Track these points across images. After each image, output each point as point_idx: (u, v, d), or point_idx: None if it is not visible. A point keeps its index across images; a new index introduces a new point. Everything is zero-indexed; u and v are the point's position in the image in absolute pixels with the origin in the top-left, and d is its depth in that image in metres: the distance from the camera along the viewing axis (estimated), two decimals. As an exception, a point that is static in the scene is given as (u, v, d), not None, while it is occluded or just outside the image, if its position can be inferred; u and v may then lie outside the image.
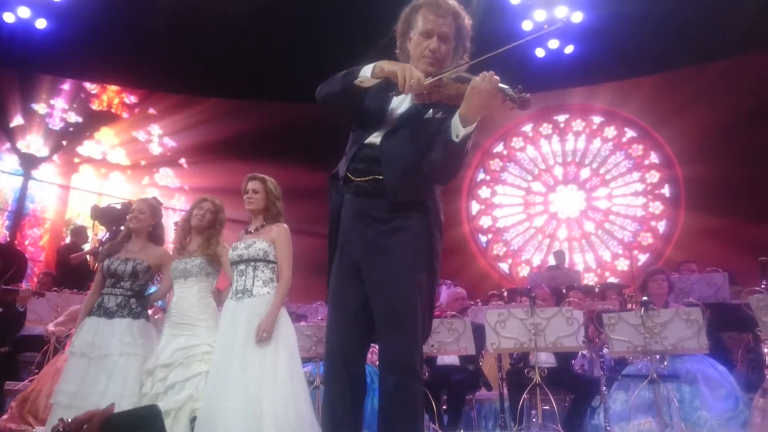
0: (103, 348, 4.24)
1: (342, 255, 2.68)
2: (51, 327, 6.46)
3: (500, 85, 2.44)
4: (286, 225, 4.36)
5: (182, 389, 4.06)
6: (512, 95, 2.43)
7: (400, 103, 2.71)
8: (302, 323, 6.14)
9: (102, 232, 9.78)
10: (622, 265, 13.15)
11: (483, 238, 14.20)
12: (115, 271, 4.48)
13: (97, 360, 4.22)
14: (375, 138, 2.64)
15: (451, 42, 2.73)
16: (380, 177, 2.57)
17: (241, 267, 4.23)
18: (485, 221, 14.32)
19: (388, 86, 2.62)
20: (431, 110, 2.63)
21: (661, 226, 13.23)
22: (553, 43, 13.21)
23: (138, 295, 4.51)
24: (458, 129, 2.43)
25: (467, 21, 2.76)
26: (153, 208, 4.76)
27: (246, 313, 4.07)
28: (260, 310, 4.07)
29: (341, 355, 2.61)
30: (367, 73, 2.59)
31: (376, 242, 2.56)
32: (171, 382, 4.07)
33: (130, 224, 4.66)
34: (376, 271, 2.54)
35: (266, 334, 3.96)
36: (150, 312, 6.57)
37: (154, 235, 4.74)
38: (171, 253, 4.75)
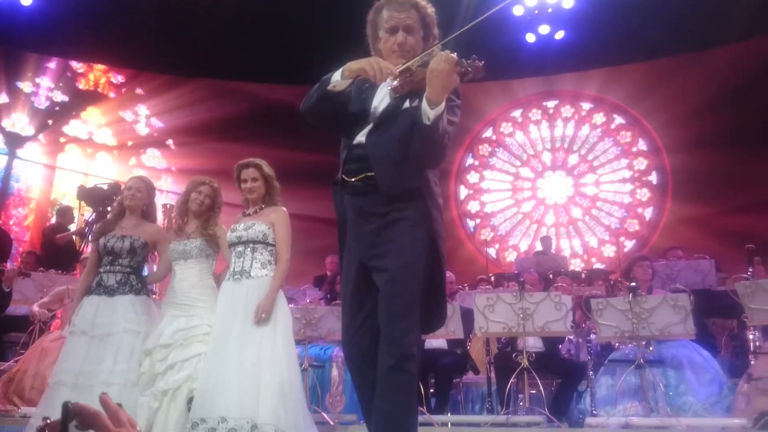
0: (106, 326, 4.22)
1: (350, 257, 2.76)
2: (35, 308, 6.42)
3: (458, 60, 2.48)
4: (285, 208, 4.35)
5: (181, 369, 4.06)
6: (465, 66, 2.47)
7: (380, 101, 2.78)
8: (290, 306, 6.14)
9: (88, 213, 9.69)
10: (609, 251, 13.22)
11: (471, 223, 14.23)
12: (112, 249, 4.44)
13: (100, 338, 4.20)
14: (361, 137, 2.72)
15: (417, 32, 2.80)
16: (371, 174, 2.65)
17: (240, 248, 4.22)
18: (473, 206, 14.34)
19: (363, 85, 2.73)
20: (408, 100, 2.68)
21: (648, 213, 13.31)
22: (544, 29, 13.18)
23: (137, 272, 4.49)
24: (427, 112, 2.49)
25: (430, 9, 2.84)
26: (149, 187, 4.72)
27: (244, 294, 4.08)
28: (258, 292, 4.07)
29: (362, 355, 2.66)
30: (337, 77, 2.68)
31: (378, 236, 2.64)
32: (170, 362, 4.08)
33: (125, 201, 4.61)
34: (379, 263, 2.62)
35: (265, 315, 3.98)
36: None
37: (147, 213, 4.69)
38: (165, 232, 4.72)
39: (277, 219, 4.27)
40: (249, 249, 4.19)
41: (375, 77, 2.57)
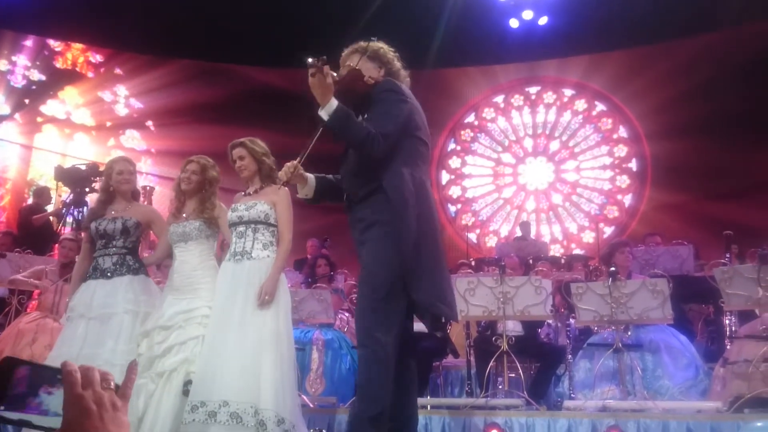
0: (105, 307, 4.15)
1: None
2: (19, 277, 6.34)
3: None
4: (286, 188, 4.25)
5: (179, 352, 4.00)
6: (312, 66, 2.95)
7: None
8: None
9: (66, 194, 9.56)
10: (588, 237, 13.33)
11: (452, 208, 14.26)
12: (104, 231, 4.35)
13: (100, 320, 4.13)
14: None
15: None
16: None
17: (241, 228, 4.14)
18: (454, 191, 14.37)
19: None
20: (360, 117, 3.16)
21: (627, 199, 13.43)
22: (528, 14, 13.17)
23: (133, 252, 4.40)
24: (321, 114, 3.00)
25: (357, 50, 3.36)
26: (135, 167, 4.66)
27: (246, 275, 4.01)
28: (260, 273, 4.00)
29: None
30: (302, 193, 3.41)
31: (360, 240, 3.15)
32: (169, 344, 4.00)
33: (121, 186, 4.48)
34: (361, 263, 3.14)
35: (268, 297, 3.91)
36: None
37: (136, 194, 4.65)
38: (157, 211, 4.64)
39: (279, 199, 4.16)
40: (250, 229, 4.11)
41: (287, 177, 3.15)
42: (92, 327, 4.13)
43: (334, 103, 2.97)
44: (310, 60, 2.93)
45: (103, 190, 4.57)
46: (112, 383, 1.03)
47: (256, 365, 3.79)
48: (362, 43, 3.35)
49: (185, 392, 3.89)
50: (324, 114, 2.98)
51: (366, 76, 3.24)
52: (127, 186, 4.52)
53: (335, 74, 3.08)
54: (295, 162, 3.16)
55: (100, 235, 4.38)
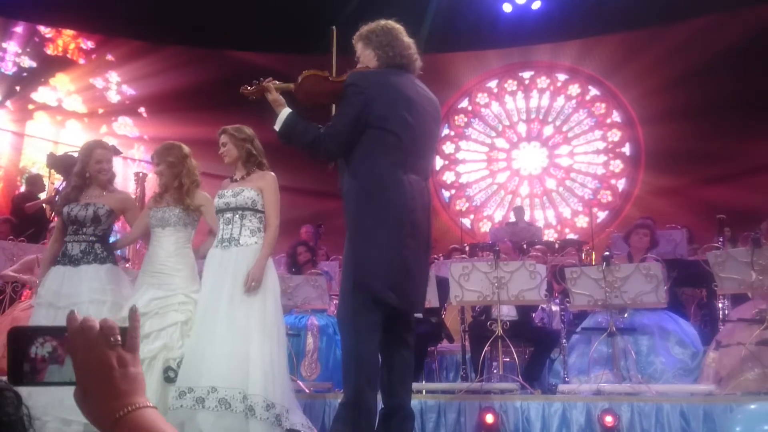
0: (71, 296, 4.13)
1: None
2: (9, 272, 6.32)
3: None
4: (273, 174, 4.26)
5: (157, 338, 4.00)
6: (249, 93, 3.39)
7: None
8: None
9: (59, 182, 9.52)
10: (582, 222, 13.36)
11: (446, 194, 14.26)
12: (75, 218, 4.33)
13: (65, 310, 4.09)
14: None
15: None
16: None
17: (228, 215, 4.13)
18: (448, 176, 14.36)
19: None
20: None
21: (621, 184, 13.45)
22: (521, -1, 13.13)
23: (102, 240, 4.38)
24: (275, 127, 3.32)
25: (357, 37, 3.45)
26: (112, 155, 4.61)
27: (233, 262, 4.01)
28: (248, 260, 4.00)
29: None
30: None
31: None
32: (146, 331, 3.97)
33: (100, 175, 4.44)
34: None
35: (255, 283, 3.92)
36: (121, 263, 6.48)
37: (112, 181, 4.57)
38: (132, 199, 4.61)
39: (266, 185, 4.16)
40: (237, 216, 4.10)
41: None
42: (59, 316, 4.06)
43: (284, 113, 3.24)
44: (241, 90, 3.31)
45: (79, 175, 4.47)
46: (119, 337, 1.03)
47: (244, 351, 3.80)
48: (363, 29, 3.37)
49: (166, 379, 3.91)
50: (276, 125, 3.25)
51: (330, 74, 3.38)
52: (105, 176, 4.46)
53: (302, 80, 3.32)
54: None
55: (71, 220, 4.34)
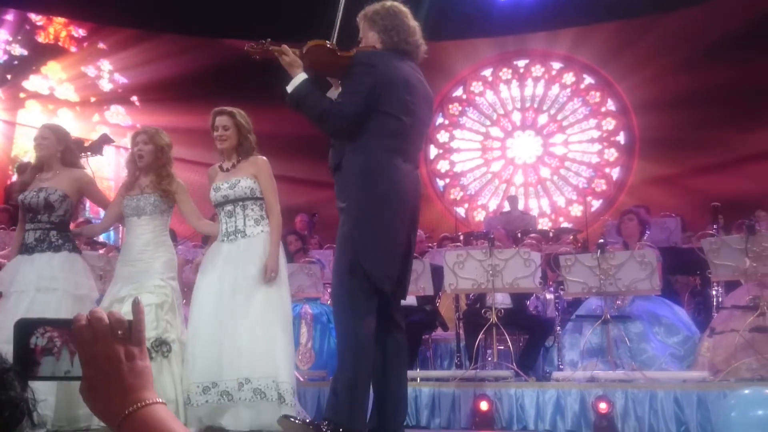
0: (20, 284, 4.01)
1: None
2: None
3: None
4: (264, 157, 4.15)
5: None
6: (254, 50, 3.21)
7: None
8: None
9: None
10: (576, 210, 13.36)
11: (440, 183, 14.24)
12: (29, 205, 4.17)
13: (15, 296, 3.99)
14: None
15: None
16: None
17: (229, 208, 4.06)
18: (443, 165, 14.33)
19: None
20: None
21: (615, 172, 13.45)
22: (516, -14, 13.07)
23: (59, 227, 4.19)
24: (287, 88, 3.17)
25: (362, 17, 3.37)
26: (57, 132, 4.38)
27: (244, 253, 3.97)
28: (257, 249, 3.97)
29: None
30: None
31: (339, 210, 3.23)
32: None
33: (36, 152, 4.33)
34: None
35: (274, 273, 3.91)
36: (102, 251, 6.41)
37: (67, 161, 4.35)
38: (88, 175, 4.44)
39: (259, 170, 4.08)
40: (239, 207, 4.03)
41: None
42: (9, 305, 3.99)
43: (300, 77, 3.10)
44: (246, 47, 3.19)
45: (37, 158, 4.40)
46: (126, 332, 1.01)
47: (270, 339, 3.81)
48: (368, 9, 3.30)
49: (163, 354, 3.88)
50: (289, 87, 3.12)
51: (340, 48, 3.21)
52: (40, 152, 4.29)
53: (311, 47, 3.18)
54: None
55: (26, 208, 4.21)
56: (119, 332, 1.00)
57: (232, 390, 3.72)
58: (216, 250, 4.08)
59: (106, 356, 0.98)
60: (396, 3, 3.33)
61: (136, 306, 1.04)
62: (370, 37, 3.29)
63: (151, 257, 4.13)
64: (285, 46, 3.13)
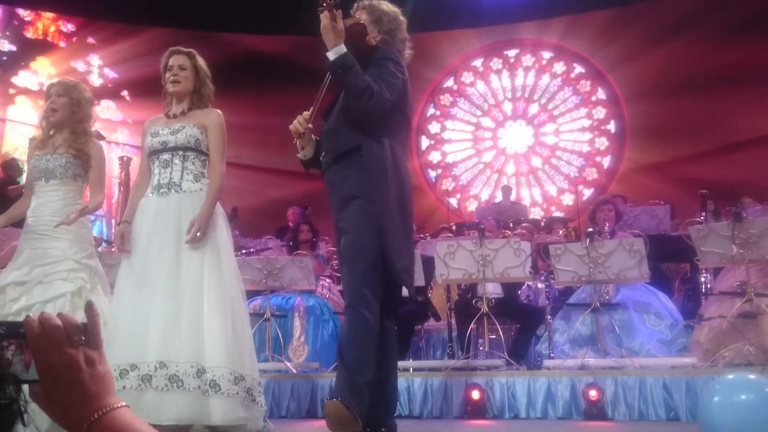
0: None
1: (336, 230, 3.26)
2: None
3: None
4: (220, 111, 3.58)
5: (42, 311, 3.66)
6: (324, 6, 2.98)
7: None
8: (252, 257, 6.13)
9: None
10: (568, 199, 13.41)
11: (432, 173, 14.26)
12: None
13: None
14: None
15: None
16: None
17: (165, 157, 3.45)
18: (435, 156, 14.36)
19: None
20: None
21: (606, 161, 13.51)
22: (505, -24, 13.06)
23: None
24: (328, 55, 3.02)
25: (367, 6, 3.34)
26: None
27: (175, 210, 3.36)
28: (192, 208, 3.35)
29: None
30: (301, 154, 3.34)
31: (339, 205, 3.16)
32: (27, 303, 3.38)
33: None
34: (341, 225, 3.17)
35: (200, 233, 3.26)
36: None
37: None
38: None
39: (210, 122, 3.49)
40: (178, 158, 3.43)
41: (297, 133, 3.19)
42: None
43: (343, 48, 3.01)
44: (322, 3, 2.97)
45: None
46: (83, 336, 0.96)
47: (197, 316, 3.16)
48: (375, 3, 3.33)
49: None
50: (332, 54, 3.00)
51: (369, 35, 3.24)
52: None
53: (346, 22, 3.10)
54: (306, 113, 3.19)
55: None
56: (76, 338, 0.95)
57: (152, 374, 3.06)
58: (144, 207, 3.45)
59: (66, 365, 0.93)
60: (398, 9, 3.39)
61: (90, 309, 0.99)
62: (369, 31, 3.30)
63: (60, 230, 3.54)
64: (340, 13, 3.01)
